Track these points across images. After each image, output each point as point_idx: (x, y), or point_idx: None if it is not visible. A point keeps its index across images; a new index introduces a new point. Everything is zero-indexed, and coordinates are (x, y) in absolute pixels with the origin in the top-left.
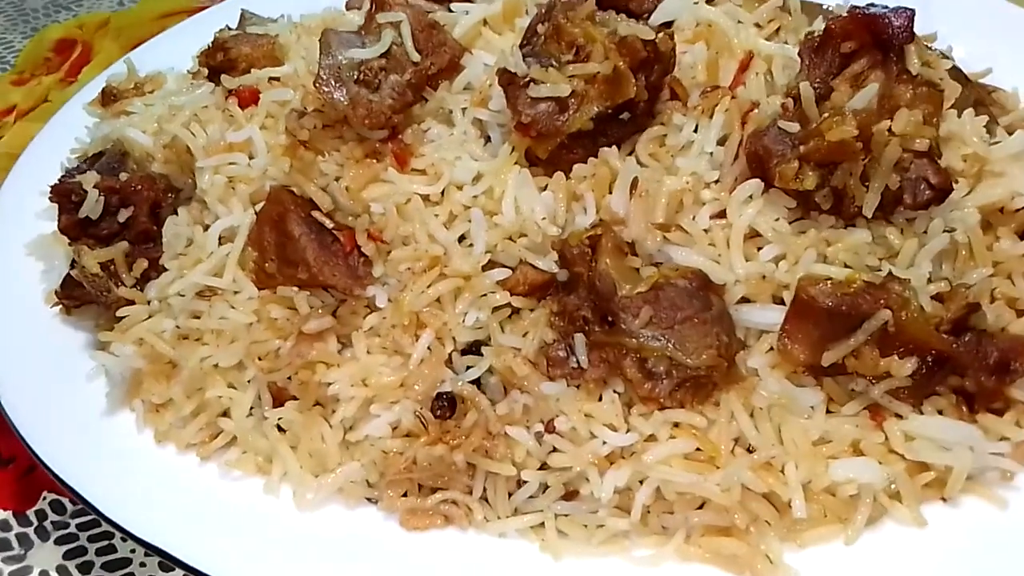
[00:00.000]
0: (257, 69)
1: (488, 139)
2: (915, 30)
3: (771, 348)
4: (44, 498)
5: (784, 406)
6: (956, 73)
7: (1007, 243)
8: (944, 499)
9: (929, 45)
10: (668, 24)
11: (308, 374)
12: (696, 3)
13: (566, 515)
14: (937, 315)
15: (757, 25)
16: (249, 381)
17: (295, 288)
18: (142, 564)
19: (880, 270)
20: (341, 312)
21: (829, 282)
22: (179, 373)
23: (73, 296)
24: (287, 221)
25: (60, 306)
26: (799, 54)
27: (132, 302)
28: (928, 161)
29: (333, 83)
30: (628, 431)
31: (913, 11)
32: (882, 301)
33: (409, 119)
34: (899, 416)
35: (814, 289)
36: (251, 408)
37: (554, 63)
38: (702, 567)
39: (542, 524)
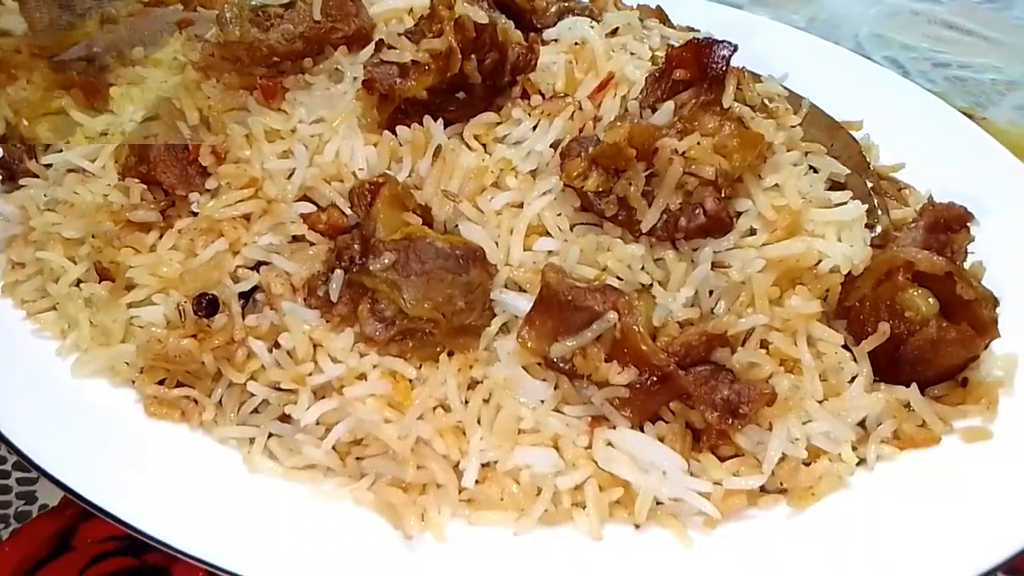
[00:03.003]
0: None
1: None
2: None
3: None
4: None
5: (510, 391)
6: (858, 156)
7: (797, 300)
8: (637, 525)
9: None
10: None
11: (115, 255)
12: (592, 27)
13: (281, 436)
14: (670, 335)
15: None
16: (89, 256)
17: (136, 180)
18: None
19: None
20: (170, 212)
21: (566, 275)
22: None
23: (3, 166)
24: (153, 125)
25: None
26: (645, 79)
27: (36, 176)
28: (712, 190)
29: (231, 19)
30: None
31: (735, 45)
32: (610, 303)
33: (298, 68)
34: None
35: (553, 278)
36: (79, 281)
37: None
38: (368, 513)
39: None
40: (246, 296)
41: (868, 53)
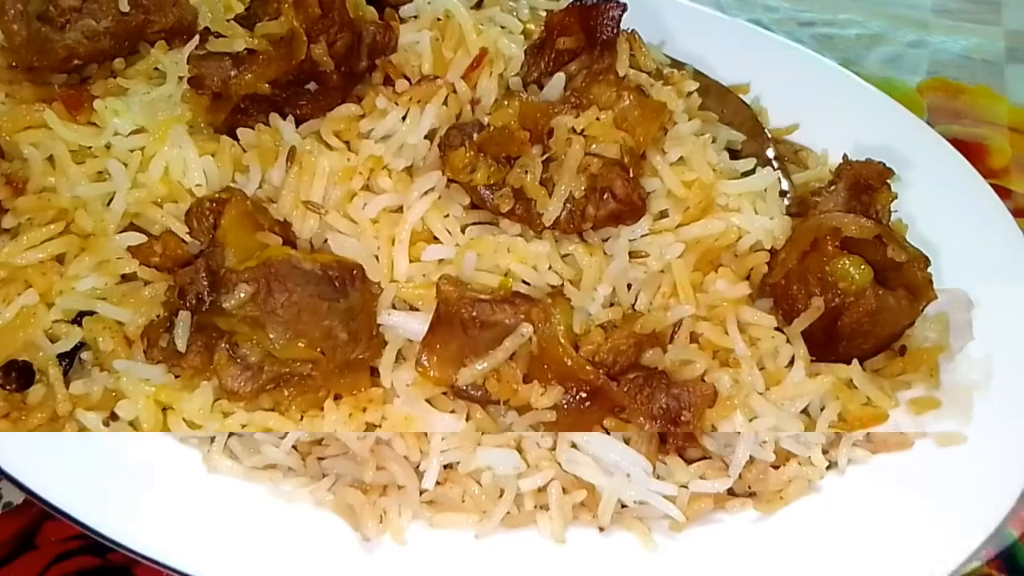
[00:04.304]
0: None
1: None
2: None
3: None
4: None
5: (412, 430)
6: (752, 122)
7: (722, 284)
8: (601, 528)
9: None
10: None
11: None
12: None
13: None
14: (594, 342)
15: None
16: None
17: None
18: None
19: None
20: None
21: (465, 287)
22: None
23: None
24: None
25: None
26: (524, 52)
27: None
28: (618, 171)
29: (14, 16)
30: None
31: (624, 4)
32: (523, 315)
33: (106, 71)
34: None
35: (450, 291)
36: None
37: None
38: (328, 515)
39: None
40: (69, 356)
41: (731, 16)
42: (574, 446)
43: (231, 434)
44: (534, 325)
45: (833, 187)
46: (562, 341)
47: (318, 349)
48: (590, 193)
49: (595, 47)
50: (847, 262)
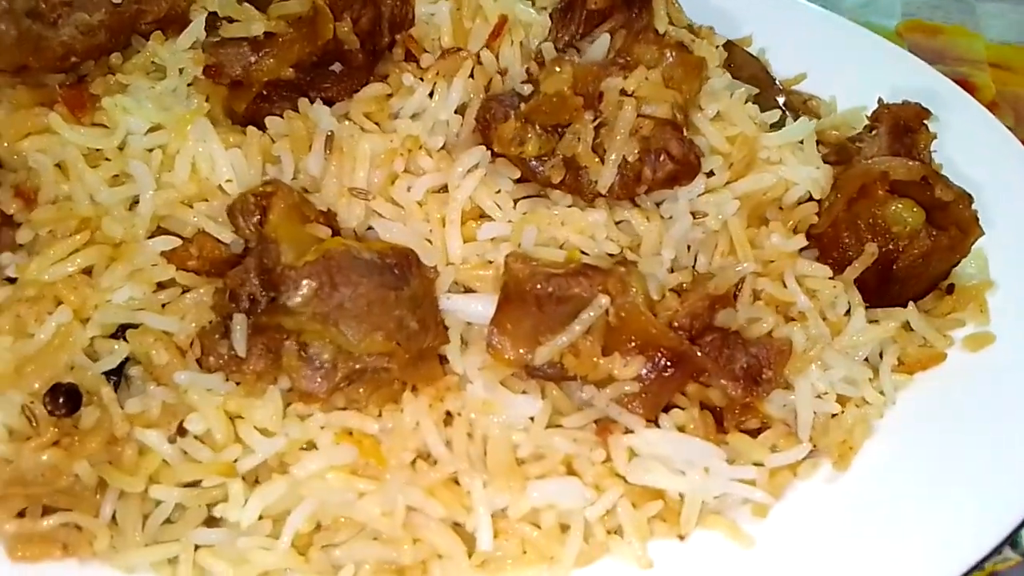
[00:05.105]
0: None
1: None
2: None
3: None
4: None
5: (493, 415)
6: (762, 74)
7: (777, 238)
8: (681, 536)
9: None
10: None
11: None
12: None
13: (210, 546)
14: (671, 308)
15: None
16: None
17: None
18: None
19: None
20: None
21: (535, 263)
22: None
23: None
24: None
25: None
26: (550, 16)
27: None
28: (671, 130)
29: (1, 15)
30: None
31: None
32: (599, 287)
33: (103, 67)
34: (630, 431)
35: (520, 268)
36: None
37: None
38: None
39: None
40: (115, 374)
41: None
42: (634, 453)
43: (197, 547)
44: (611, 296)
45: (874, 132)
46: (643, 309)
47: (395, 341)
48: (644, 156)
49: (632, 6)
50: (899, 205)
